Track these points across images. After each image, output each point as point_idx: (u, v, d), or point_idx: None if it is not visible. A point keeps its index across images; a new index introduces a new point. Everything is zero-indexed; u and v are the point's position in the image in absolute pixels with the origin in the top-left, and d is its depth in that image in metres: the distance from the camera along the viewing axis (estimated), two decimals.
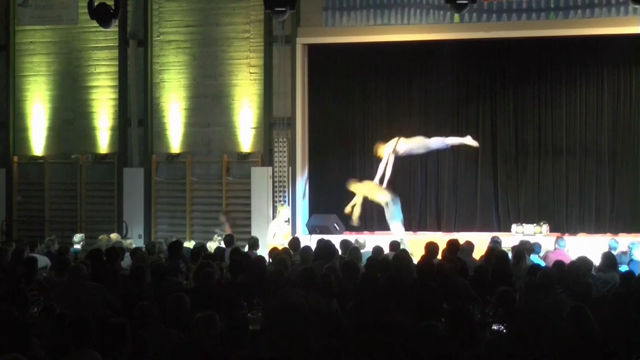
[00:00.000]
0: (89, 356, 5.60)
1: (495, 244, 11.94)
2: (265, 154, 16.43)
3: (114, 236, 13.64)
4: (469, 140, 15.83)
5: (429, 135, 16.09)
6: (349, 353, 5.75)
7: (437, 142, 15.89)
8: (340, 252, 11.25)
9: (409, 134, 16.65)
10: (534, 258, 11.40)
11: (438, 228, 16.60)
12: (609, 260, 10.19)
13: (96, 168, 17.37)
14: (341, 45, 16.18)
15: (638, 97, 15.96)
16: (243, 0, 16.62)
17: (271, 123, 16.40)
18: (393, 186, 16.95)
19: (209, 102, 16.81)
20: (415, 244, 13.02)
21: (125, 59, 17.03)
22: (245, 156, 16.66)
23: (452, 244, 10.77)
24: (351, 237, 13.42)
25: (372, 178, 17.01)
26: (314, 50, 16.44)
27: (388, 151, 15.85)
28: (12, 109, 17.53)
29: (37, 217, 17.48)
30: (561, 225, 15.87)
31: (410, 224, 16.63)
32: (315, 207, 16.56)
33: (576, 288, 8.43)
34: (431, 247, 10.49)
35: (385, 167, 15.85)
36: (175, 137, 16.96)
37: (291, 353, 5.72)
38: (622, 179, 16.05)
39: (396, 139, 15.91)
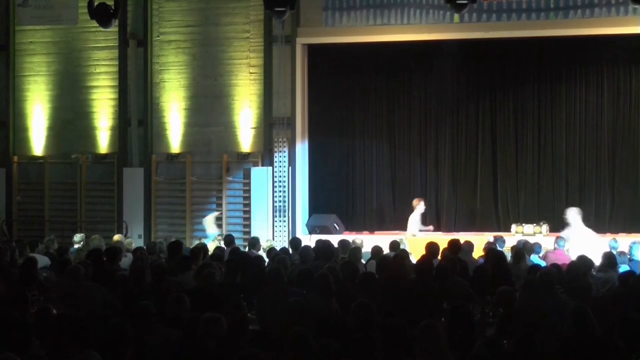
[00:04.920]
0: (89, 356, 5.60)
1: (490, 244, 11.96)
2: (265, 154, 16.43)
3: (117, 237, 13.63)
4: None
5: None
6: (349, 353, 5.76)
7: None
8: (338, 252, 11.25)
9: (408, 134, 16.76)
10: (534, 258, 11.41)
11: (438, 228, 16.59)
12: (609, 260, 10.20)
13: (96, 168, 17.36)
14: (341, 45, 16.18)
15: (638, 97, 15.97)
16: (243, 0, 16.62)
17: (271, 123, 16.40)
18: (392, 185, 17.00)
19: (209, 102, 16.80)
20: (415, 244, 13.03)
21: (125, 59, 17.03)
22: (245, 156, 16.65)
23: (453, 244, 10.78)
24: (349, 237, 13.41)
25: (371, 179, 17.07)
26: (314, 50, 16.44)
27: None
28: (12, 109, 17.52)
29: (37, 217, 17.47)
30: (561, 225, 15.86)
31: None
32: (315, 207, 16.56)
33: (576, 288, 8.44)
34: (432, 247, 10.49)
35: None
36: (175, 137, 16.96)
37: (290, 353, 5.72)
38: (622, 179, 16.06)
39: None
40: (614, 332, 6.19)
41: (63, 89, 17.44)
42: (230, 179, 16.76)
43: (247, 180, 16.54)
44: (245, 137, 16.67)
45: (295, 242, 12.28)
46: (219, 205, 16.76)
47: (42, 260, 11.16)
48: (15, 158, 17.59)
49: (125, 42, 17.00)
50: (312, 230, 15.53)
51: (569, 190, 16.28)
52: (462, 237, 12.70)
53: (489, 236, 13.51)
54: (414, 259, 10.88)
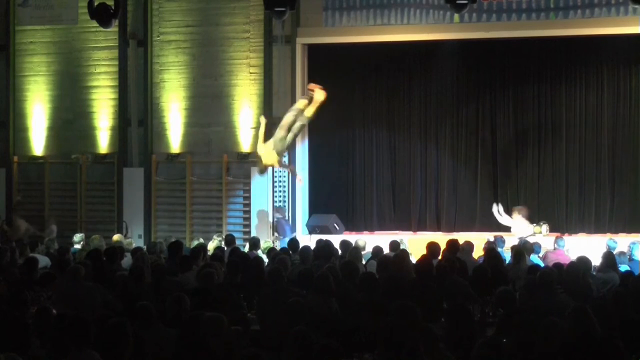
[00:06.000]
0: (89, 356, 5.60)
1: (490, 244, 11.97)
2: None
3: (117, 237, 13.63)
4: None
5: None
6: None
7: None
8: (340, 253, 11.26)
9: (408, 134, 16.78)
10: (534, 258, 11.41)
11: (438, 228, 16.61)
12: (609, 260, 10.20)
13: (96, 168, 17.36)
14: (341, 45, 16.18)
15: (638, 97, 15.97)
16: (243, 0, 16.62)
17: (271, 123, 16.38)
18: (392, 185, 17.00)
19: (209, 102, 16.81)
20: (415, 244, 13.03)
21: (125, 59, 17.02)
22: (245, 156, 16.65)
23: (452, 244, 10.77)
24: (351, 237, 13.42)
25: (370, 179, 17.06)
26: (314, 50, 16.44)
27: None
28: (12, 109, 17.52)
29: (37, 217, 17.45)
30: (561, 225, 15.88)
31: (410, 224, 16.66)
32: (315, 207, 16.56)
33: (576, 288, 8.44)
34: (432, 248, 10.47)
35: None
36: (175, 137, 16.96)
37: (291, 353, 5.72)
38: (622, 179, 16.06)
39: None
40: (614, 332, 6.19)
41: (63, 89, 17.44)
42: (230, 179, 16.76)
43: (247, 180, 16.53)
44: (245, 137, 16.66)
45: (294, 243, 12.28)
46: (219, 205, 16.74)
47: (43, 261, 11.16)
48: (15, 158, 17.58)
49: (125, 42, 16.99)
50: (312, 230, 15.53)
51: (569, 190, 16.28)
52: (462, 237, 12.71)
53: (489, 236, 13.51)
54: (414, 259, 10.87)
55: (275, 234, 15.44)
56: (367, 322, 6.98)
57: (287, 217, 15.82)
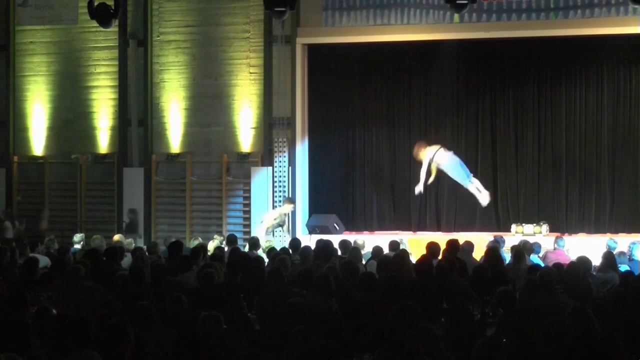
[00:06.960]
0: (89, 356, 5.60)
1: (494, 243, 11.96)
2: (265, 154, 16.44)
3: (117, 237, 13.63)
4: (483, 197, 15.55)
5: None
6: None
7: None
8: (339, 253, 11.26)
9: (408, 134, 16.75)
10: (534, 258, 11.41)
11: (438, 228, 16.61)
12: (609, 260, 10.20)
13: (96, 168, 17.38)
14: (341, 45, 16.19)
15: (638, 97, 15.97)
16: (243, 0, 16.63)
17: (271, 123, 16.41)
18: (392, 185, 17.00)
19: (209, 102, 16.82)
20: (415, 244, 13.03)
21: (125, 59, 17.04)
22: (245, 156, 16.66)
23: (452, 244, 10.76)
24: (350, 237, 13.42)
25: (371, 179, 17.06)
26: (314, 50, 16.45)
27: (428, 157, 15.51)
28: (12, 109, 17.54)
29: (37, 217, 17.46)
30: (561, 225, 15.88)
31: (410, 224, 16.65)
32: (315, 207, 16.57)
33: (576, 288, 8.44)
34: (432, 248, 10.47)
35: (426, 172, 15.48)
36: (175, 137, 16.97)
37: (291, 353, 5.72)
38: (622, 179, 16.06)
39: (437, 147, 15.61)
40: (614, 332, 6.19)
41: (63, 89, 17.45)
42: (230, 179, 16.77)
43: (247, 180, 16.54)
44: (245, 137, 16.67)
45: (295, 242, 12.29)
46: (219, 205, 16.75)
47: (43, 261, 11.15)
48: (15, 158, 17.60)
49: (125, 42, 17.01)
50: (312, 230, 15.53)
51: (569, 190, 16.28)
52: (462, 237, 12.71)
53: (489, 236, 13.51)
54: (414, 259, 10.86)
55: (127, 233, 15.50)
56: (367, 322, 6.98)
57: (138, 218, 16.19)
